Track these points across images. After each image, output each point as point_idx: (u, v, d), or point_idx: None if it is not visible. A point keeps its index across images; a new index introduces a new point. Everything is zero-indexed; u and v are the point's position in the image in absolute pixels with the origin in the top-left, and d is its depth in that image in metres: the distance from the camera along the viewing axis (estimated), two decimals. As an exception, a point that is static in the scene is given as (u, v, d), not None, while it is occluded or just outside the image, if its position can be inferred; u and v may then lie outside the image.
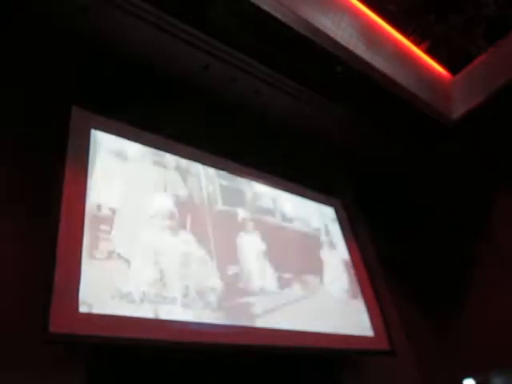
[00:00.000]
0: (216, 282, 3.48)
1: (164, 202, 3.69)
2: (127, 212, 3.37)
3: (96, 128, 2.83)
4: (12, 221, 2.16)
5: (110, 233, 3.19)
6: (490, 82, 3.36)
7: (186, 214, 3.75)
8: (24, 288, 2.05)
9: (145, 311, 2.79)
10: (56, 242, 2.13)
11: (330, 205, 4.29)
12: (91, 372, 2.05)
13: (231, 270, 3.70)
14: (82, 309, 2.22)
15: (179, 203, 3.78)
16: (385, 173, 4.10)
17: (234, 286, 3.58)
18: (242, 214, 4.14)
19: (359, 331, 3.56)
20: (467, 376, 3.29)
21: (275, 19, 2.52)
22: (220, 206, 4.08)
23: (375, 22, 3.24)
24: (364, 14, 3.15)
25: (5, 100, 2.37)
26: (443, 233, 4.11)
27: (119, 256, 3.11)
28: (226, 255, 3.75)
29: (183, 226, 3.65)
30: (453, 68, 3.67)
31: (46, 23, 2.51)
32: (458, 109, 3.51)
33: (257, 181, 3.95)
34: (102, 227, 3.17)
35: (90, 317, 2.15)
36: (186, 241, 3.57)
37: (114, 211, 3.31)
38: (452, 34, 3.34)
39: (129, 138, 3.16)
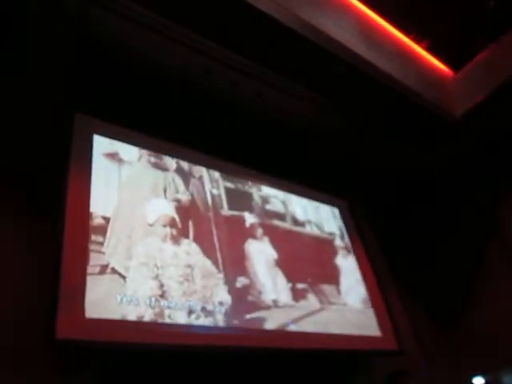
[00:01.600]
0: (224, 297, 3.11)
1: (164, 208, 3.31)
2: (122, 220, 3.01)
3: (98, 133, 2.71)
4: (18, 228, 2.15)
5: (102, 244, 2.81)
6: (493, 78, 3.34)
7: (188, 220, 3.38)
8: (31, 294, 2.03)
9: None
10: (62, 247, 2.09)
11: (337, 206, 4.08)
12: (98, 377, 2.04)
13: (240, 282, 3.33)
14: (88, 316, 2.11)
15: (181, 209, 3.41)
16: (388, 173, 4.09)
17: (244, 300, 3.20)
18: (249, 219, 3.78)
19: (368, 332, 3.37)
20: (477, 374, 3.28)
21: (274, 20, 2.52)
22: (226, 211, 3.70)
23: (375, 22, 3.23)
24: (364, 14, 3.14)
25: (4, 105, 2.39)
26: (450, 232, 4.08)
27: (113, 271, 2.73)
28: (234, 266, 3.39)
29: (185, 235, 3.27)
30: (454, 65, 3.66)
31: (48, 31, 2.54)
32: (461, 106, 3.50)
33: (263, 183, 3.72)
34: (94, 238, 2.80)
35: (97, 322, 2.07)
36: (189, 251, 3.20)
37: (107, 220, 2.93)
38: (453, 31, 3.33)
39: (130, 143, 3.00)
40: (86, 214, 2.34)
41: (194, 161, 3.48)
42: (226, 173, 3.67)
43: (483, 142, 3.79)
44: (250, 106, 3.18)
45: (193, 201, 3.57)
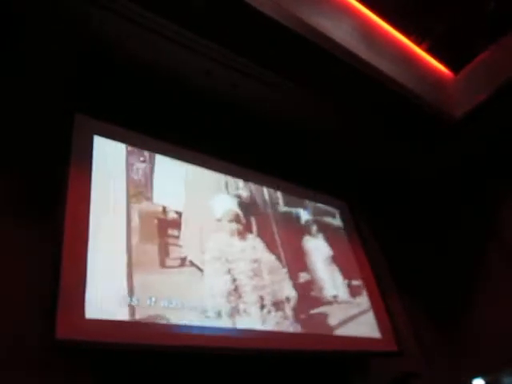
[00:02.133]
0: (291, 292, 3.13)
1: (229, 204, 3.34)
2: (193, 215, 3.02)
3: (98, 134, 2.65)
4: (17, 228, 2.10)
5: (178, 238, 2.83)
6: (493, 79, 3.30)
7: (250, 216, 3.40)
8: (31, 295, 1.98)
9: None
10: (61, 248, 2.03)
11: (336, 207, 4.04)
12: (98, 378, 1.99)
13: (303, 277, 3.36)
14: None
15: (242, 204, 3.43)
16: (388, 173, 4.06)
17: (308, 295, 3.23)
18: (304, 215, 3.80)
19: (368, 333, 3.31)
20: (476, 376, 3.20)
21: (274, 22, 2.49)
22: (282, 207, 3.73)
23: (375, 23, 3.19)
24: (364, 15, 3.10)
25: (4, 106, 2.34)
26: (450, 232, 4.07)
27: (192, 264, 2.75)
28: (296, 261, 3.41)
29: (250, 230, 3.29)
30: (455, 66, 3.60)
31: (48, 32, 2.50)
32: (461, 107, 3.44)
33: (265, 184, 3.63)
34: (170, 231, 2.81)
35: (97, 322, 2.00)
36: (254, 246, 3.22)
37: (180, 214, 2.95)
38: (453, 33, 3.28)
39: (131, 144, 2.90)
40: (86, 214, 2.25)
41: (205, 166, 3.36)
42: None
43: (483, 142, 3.79)
44: (250, 107, 3.18)
45: (252, 197, 3.59)
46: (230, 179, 3.50)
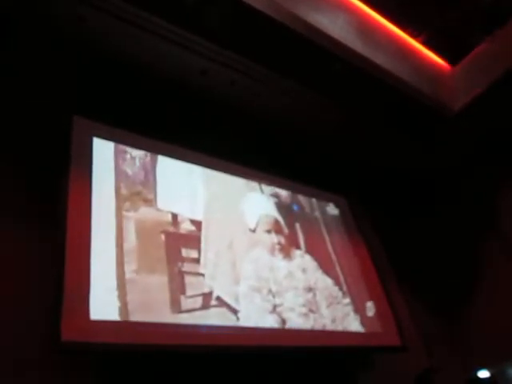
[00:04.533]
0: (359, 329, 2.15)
1: (264, 207, 2.36)
2: (217, 224, 2.06)
3: (97, 136, 2.35)
4: (17, 228, 2.04)
5: (198, 262, 1.87)
6: (490, 71, 3.33)
7: (294, 222, 2.44)
8: (32, 295, 1.87)
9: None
10: (64, 249, 1.82)
11: (336, 203, 3.60)
12: (103, 378, 1.88)
13: (370, 309, 2.40)
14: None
15: (282, 207, 2.47)
16: (388, 168, 4.02)
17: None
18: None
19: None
20: (481, 368, 3.12)
21: (270, 18, 2.47)
22: (332, 209, 2.76)
23: (371, 17, 3.21)
24: (360, 10, 3.13)
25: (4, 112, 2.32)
26: (451, 226, 4.01)
27: (221, 302, 1.79)
28: (357, 284, 2.50)
29: (296, 243, 2.34)
30: (452, 59, 3.61)
31: (44, 33, 2.49)
32: (459, 100, 3.47)
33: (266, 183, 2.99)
34: (185, 253, 1.85)
35: (102, 324, 1.74)
36: (304, 267, 2.26)
37: (198, 225, 1.98)
38: (449, 25, 3.31)
39: (130, 145, 2.46)
40: (87, 214, 1.95)
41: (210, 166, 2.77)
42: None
43: (482, 134, 3.75)
44: (248, 105, 3.07)
45: (294, 195, 2.61)
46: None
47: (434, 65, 3.65)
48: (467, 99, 3.45)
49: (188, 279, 1.79)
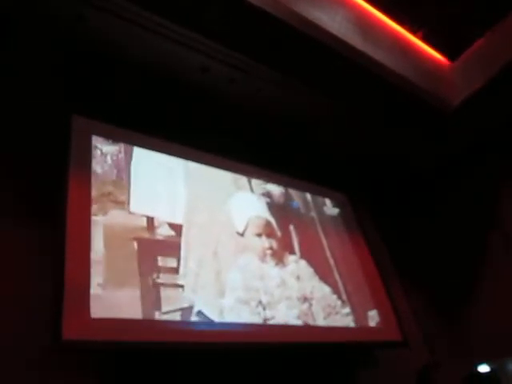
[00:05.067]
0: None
1: (254, 207, 2.14)
2: (200, 228, 1.84)
3: (97, 134, 2.27)
4: (17, 228, 1.99)
5: (177, 271, 1.65)
6: (490, 65, 3.32)
7: (288, 224, 2.22)
8: (32, 295, 1.83)
9: None
10: (64, 248, 1.72)
11: (336, 199, 3.53)
12: (105, 377, 1.84)
13: (373, 318, 2.18)
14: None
15: (275, 207, 2.25)
16: (387, 163, 4.00)
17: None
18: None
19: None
20: (481, 362, 3.09)
21: (269, 15, 2.45)
22: (330, 209, 2.53)
23: (370, 13, 3.24)
24: (358, 5, 3.15)
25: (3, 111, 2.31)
26: (452, 222, 3.99)
27: (204, 317, 1.58)
28: (358, 291, 2.29)
29: (289, 248, 2.12)
30: (451, 54, 3.60)
31: (44, 32, 2.48)
32: (458, 95, 3.47)
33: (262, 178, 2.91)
34: (161, 262, 1.63)
35: (103, 322, 1.64)
36: (299, 274, 2.04)
37: (178, 229, 1.76)
38: (448, 20, 3.31)
39: (131, 144, 2.36)
40: (87, 213, 1.87)
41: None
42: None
43: (482, 129, 3.75)
44: (248, 101, 3.04)
45: (287, 194, 2.39)
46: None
47: (433, 60, 3.66)
48: (467, 94, 3.44)
49: (164, 292, 1.57)
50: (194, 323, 1.83)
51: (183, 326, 1.81)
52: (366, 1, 3.19)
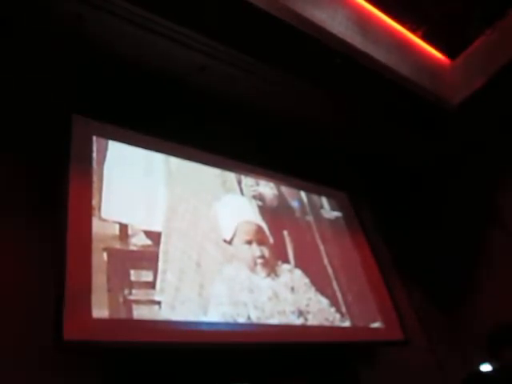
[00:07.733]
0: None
1: (244, 212, 1.95)
2: (182, 236, 1.66)
3: (98, 135, 2.24)
4: (17, 228, 1.97)
5: (153, 286, 1.45)
6: (490, 64, 3.34)
7: (281, 229, 2.04)
8: (32, 295, 1.82)
9: None
10: (65, 248, 1.69)
11: (336, 197, 3.46)
12: (107, 377, 1.81)
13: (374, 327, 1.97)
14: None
15: (267, 211, 2.07)
16: (387, 161, 4.03)
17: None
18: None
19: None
20: (484, 361, 2.99)
21: (268, 14, 2.42)
22: (328, 212, 2.35)
23: (370, 12, 3.25)
24: (358, 4, 3.17)
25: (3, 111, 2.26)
26: (453, 220, 3.99)
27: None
28: (359, 302, 2.11)
29: (283, 255, 1.93)
30: (451, 53, 3.62)
31: (43, 32, 2.45)
32: (459, 93, 3.49)
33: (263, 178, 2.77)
34: (134, 276, 1.45)
35: (104, 322, 1.60)
36: (293, 285, 1.86)
37: (156, 237, 1.57)
38: (448, 19, 3.32)
39: (131, 144, 2.34)
40: (88, 213, 1.82)
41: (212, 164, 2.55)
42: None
43: (482, 128, 3.74)
44: (247, 100, 3.05)
45: (281, 196, 2.20)
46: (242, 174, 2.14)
47: (433, 59, 3.68)
48: (467, 92, 3.46)
49: (137, 311, 1.38)
50: (196, 323, 1.77)
51: (184, 327, 1.74)
52: (366, 0, 3.19)
